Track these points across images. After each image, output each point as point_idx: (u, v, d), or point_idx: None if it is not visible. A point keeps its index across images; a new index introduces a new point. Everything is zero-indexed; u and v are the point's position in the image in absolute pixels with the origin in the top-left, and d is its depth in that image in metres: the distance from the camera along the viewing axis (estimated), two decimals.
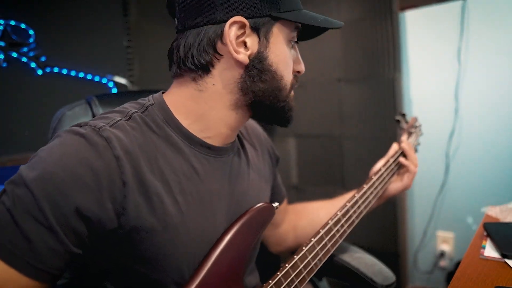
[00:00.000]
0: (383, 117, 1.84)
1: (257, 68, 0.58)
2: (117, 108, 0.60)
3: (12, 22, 1.57)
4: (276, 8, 0.57)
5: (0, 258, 0.45)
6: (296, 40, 0.63)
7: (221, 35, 0.56)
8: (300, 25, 0.61)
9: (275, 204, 0.67)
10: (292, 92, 0.65)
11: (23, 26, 1.60)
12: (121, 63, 1.88)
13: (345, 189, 2.03)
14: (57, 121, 0.76)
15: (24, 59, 1.61)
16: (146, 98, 0.62)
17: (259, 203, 0.66)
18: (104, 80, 1.84)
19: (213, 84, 0.59)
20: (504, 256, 0.73)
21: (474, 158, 1.74)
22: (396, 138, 0.99)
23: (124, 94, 1.13)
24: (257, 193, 0.72)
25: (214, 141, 0.62)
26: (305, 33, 0.65)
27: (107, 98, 0.84)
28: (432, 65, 1.82)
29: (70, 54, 1.74)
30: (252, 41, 0.57)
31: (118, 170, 0.50)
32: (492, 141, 1.69)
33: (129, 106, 0.60)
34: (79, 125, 0.53)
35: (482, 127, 1.71)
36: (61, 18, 1.71)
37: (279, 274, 0.61)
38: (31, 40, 1.62)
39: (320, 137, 2.08)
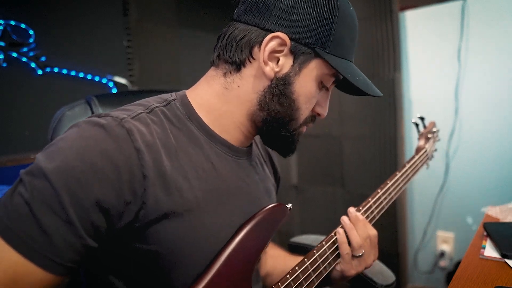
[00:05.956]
0: (383, 117, 1.84)
1: (279, 89, 0.58)
2: (138, 101, 0.59)
3: (12, 22, 1.57)
4: (322, 46, 0.57)
5: (17, 251, 0.45)
6: (328, 86, 0.63)
7: (260, 42, 0.57)
8: (339, 75, 0.61)
9: (289, 205, 0.66)
10: (304, 128, 0.65)
11: (23, 26, 1.59)
12: (121, 63, 1.88)
13: (344, 189, 2.03)
14: (56, 121, 0.76)
15: (24, 59, 1.61)
16: (169, 94, 0.62)
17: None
18: (104, 80, 1.84)
19: (238, 86, 0.60)
20: (504, 256, 0.73)
21: (474, 158, 1.75)
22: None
23: (124, 94, 1.13)
24: (265, 202, 0.71)
25: (233, 142, 0.63)
26: (345, 86, 0.65)
27: (107, 98, 0.83)
28: (432, 65, 1.82)
29: (70, 54, 1.74)
30: (285, 62, 0.58)
31: (139, 163, 0.49)
32: (492, 141, 1.69)
33: (152, 100, 0.60)
34: (99, 116, 0.52)
35: (482, 127, 1.71)
36: (61, 18, 1.71)
37: (289, 278, 0.61)
38: (31, 40, 1.62)
39: (320, 137, 2.08)
